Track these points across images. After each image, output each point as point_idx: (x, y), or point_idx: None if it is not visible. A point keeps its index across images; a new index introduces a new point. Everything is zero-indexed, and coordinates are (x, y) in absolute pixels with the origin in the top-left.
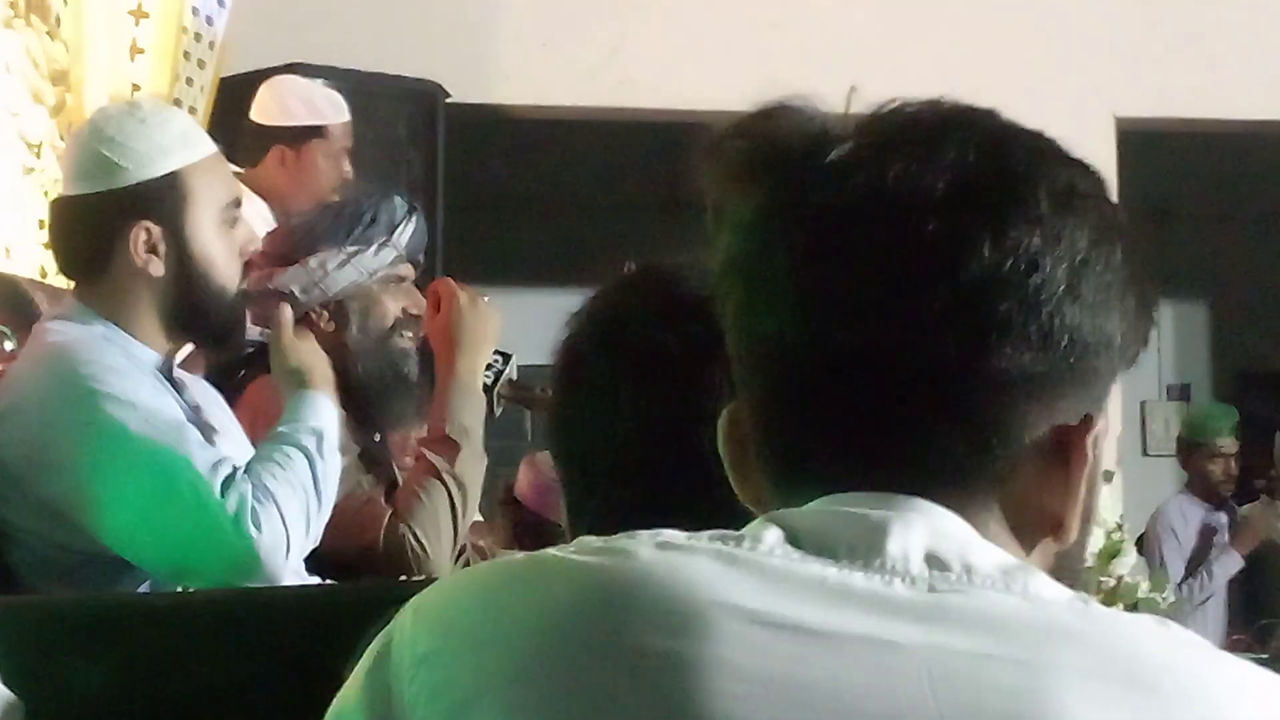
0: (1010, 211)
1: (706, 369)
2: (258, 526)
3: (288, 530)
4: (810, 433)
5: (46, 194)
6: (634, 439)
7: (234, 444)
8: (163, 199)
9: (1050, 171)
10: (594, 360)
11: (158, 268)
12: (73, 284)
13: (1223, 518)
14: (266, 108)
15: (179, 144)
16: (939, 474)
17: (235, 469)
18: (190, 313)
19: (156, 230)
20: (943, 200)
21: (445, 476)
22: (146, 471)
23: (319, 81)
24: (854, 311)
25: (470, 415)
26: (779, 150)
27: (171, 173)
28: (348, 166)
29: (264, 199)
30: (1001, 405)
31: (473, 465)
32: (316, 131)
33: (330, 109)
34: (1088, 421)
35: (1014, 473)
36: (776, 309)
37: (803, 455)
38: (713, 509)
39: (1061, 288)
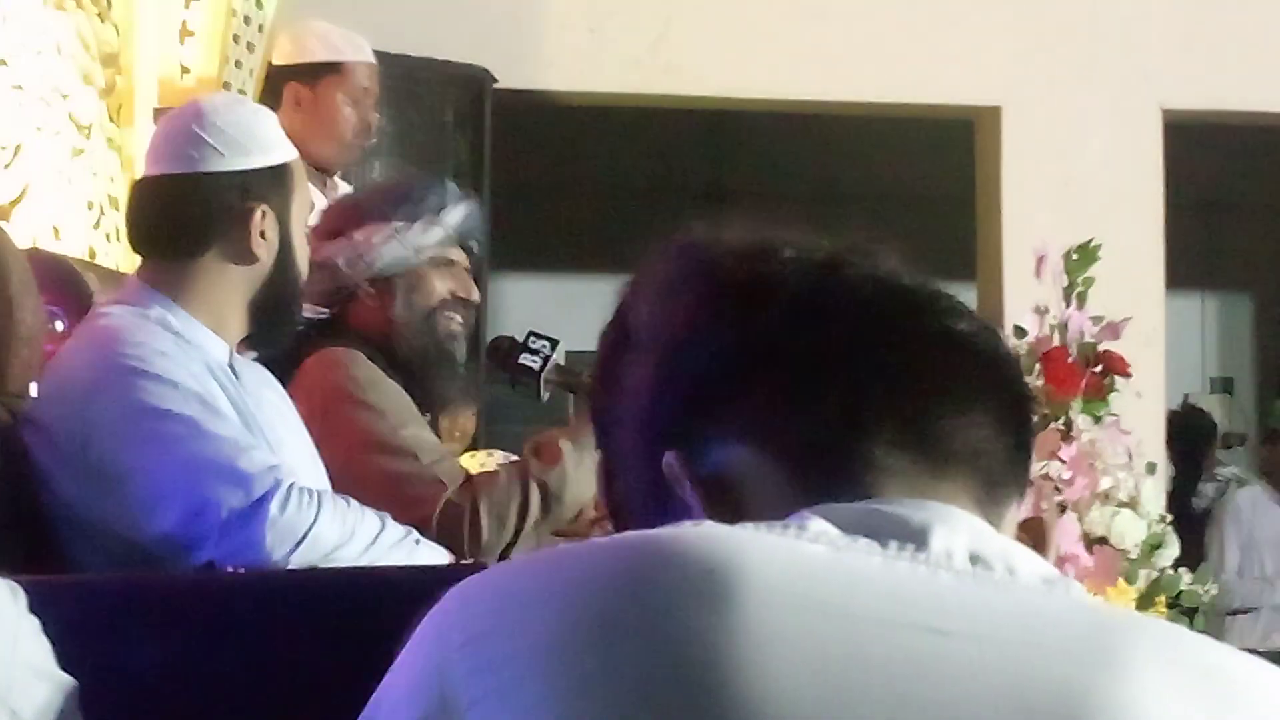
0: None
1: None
2: (281, 509)
3: (306, 536)
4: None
5: (95, 175)
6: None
7: (292, 446)
8: (275, 188)
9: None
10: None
11: (266, 252)
12: (142, 265)
13: None
14: (283, 48)
15: (282, 139)
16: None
17: (279, 466)
18: (276, 302)
19: (272, 216)
20: None
21: (532, 479)
22: (181, 448)
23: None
24: None
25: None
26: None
27: (284, 164)
28: (373, 113)
29: None
30: None
31: (568, 486)
32: (333, 69)
33: (348, 46)
34: None
35: None
36: None
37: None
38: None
39: None
